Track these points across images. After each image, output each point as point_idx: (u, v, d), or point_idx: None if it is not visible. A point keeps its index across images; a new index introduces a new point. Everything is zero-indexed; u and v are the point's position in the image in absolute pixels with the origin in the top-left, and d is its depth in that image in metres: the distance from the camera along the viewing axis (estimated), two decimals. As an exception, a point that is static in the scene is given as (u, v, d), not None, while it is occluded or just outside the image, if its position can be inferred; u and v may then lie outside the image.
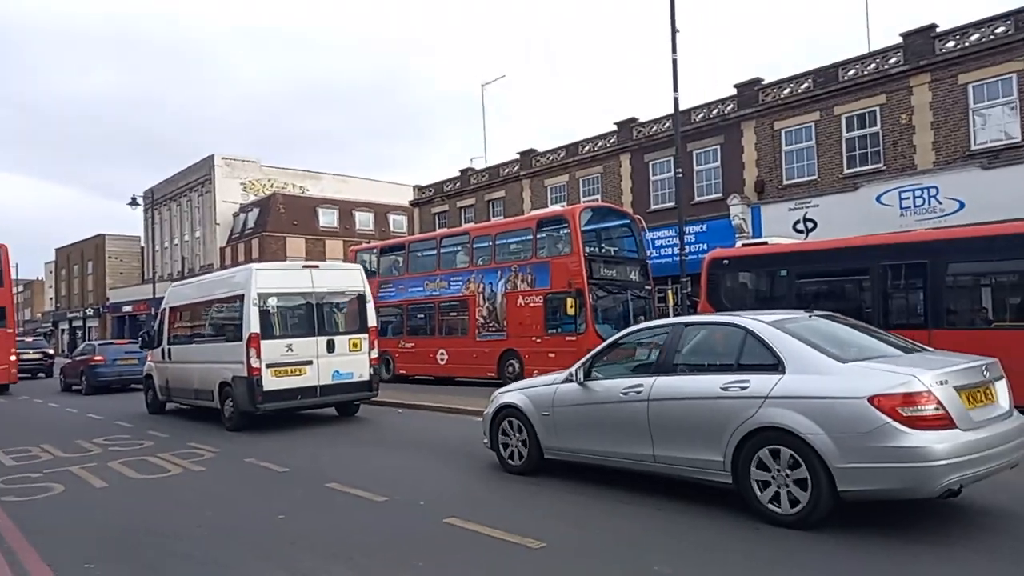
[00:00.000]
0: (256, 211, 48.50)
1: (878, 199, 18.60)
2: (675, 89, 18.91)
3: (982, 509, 5.69)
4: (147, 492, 7.57)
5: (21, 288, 74.05)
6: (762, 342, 5.76)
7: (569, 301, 17.17)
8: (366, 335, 12.70)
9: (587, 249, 17.59)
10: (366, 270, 24.05)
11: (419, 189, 34.64)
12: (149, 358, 15.89)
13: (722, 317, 7.06)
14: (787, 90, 20.68)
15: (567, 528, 5.51)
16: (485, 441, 8.01)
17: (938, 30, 17.71)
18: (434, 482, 7.44)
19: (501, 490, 6.97)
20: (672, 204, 23.43)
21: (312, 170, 54.33)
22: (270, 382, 11.45)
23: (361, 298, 12.88)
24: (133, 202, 43.35)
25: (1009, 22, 16.45)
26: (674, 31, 18.73)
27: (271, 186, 51.41)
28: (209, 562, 5.11)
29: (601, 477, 6.89)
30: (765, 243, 15.08)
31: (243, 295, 11.68)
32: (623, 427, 6.40)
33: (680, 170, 19.49)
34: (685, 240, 19.01)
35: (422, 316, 21.72)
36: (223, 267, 49.80)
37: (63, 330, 70.68)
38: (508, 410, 7.71)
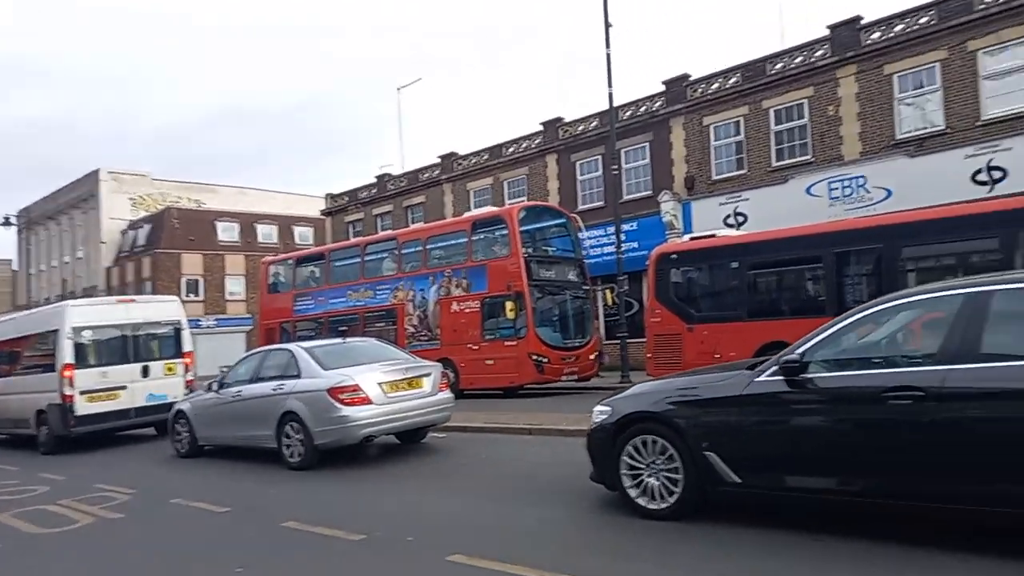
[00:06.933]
0: (147, 227, 45.05)
1: (808, 190, 18.61)
2: (609, 84, 18.34)
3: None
4: (51, 551, 6.00)
5: None
6: (295, 359, 9.18)
7: (508, 304, 16.24)
8: (181, 360, 13.66)
9: (525, 250, 16.71)
10: (279, 283, 22.97)
11: (332, 197, 32.81)
12: None
13: (284, 345, 11.05)
14: (715, 85, 20.51)
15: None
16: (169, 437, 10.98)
17: (863, 21, 17.87)
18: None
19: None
20: (600, 204, 22.97)
21: (208, 183, 51.08)
22: (83, 407, 12.31)
23: (177, 327, 13.84)
24: (6, 222, 39.49)
25: (932, 12, 16.73)
26: (607, 25, 18.20)
27: (164, 201, 47.92)
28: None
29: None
30: (713, 235, 14.60)
31: (58, 330, 12.57)
32: (231, 418, 9.70)
33: (616, 167, 19.06)
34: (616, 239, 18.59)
35: (345, 328, 20.18)
36: (108, 288, 45.80)
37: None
38: (179, 413, 10.83)
